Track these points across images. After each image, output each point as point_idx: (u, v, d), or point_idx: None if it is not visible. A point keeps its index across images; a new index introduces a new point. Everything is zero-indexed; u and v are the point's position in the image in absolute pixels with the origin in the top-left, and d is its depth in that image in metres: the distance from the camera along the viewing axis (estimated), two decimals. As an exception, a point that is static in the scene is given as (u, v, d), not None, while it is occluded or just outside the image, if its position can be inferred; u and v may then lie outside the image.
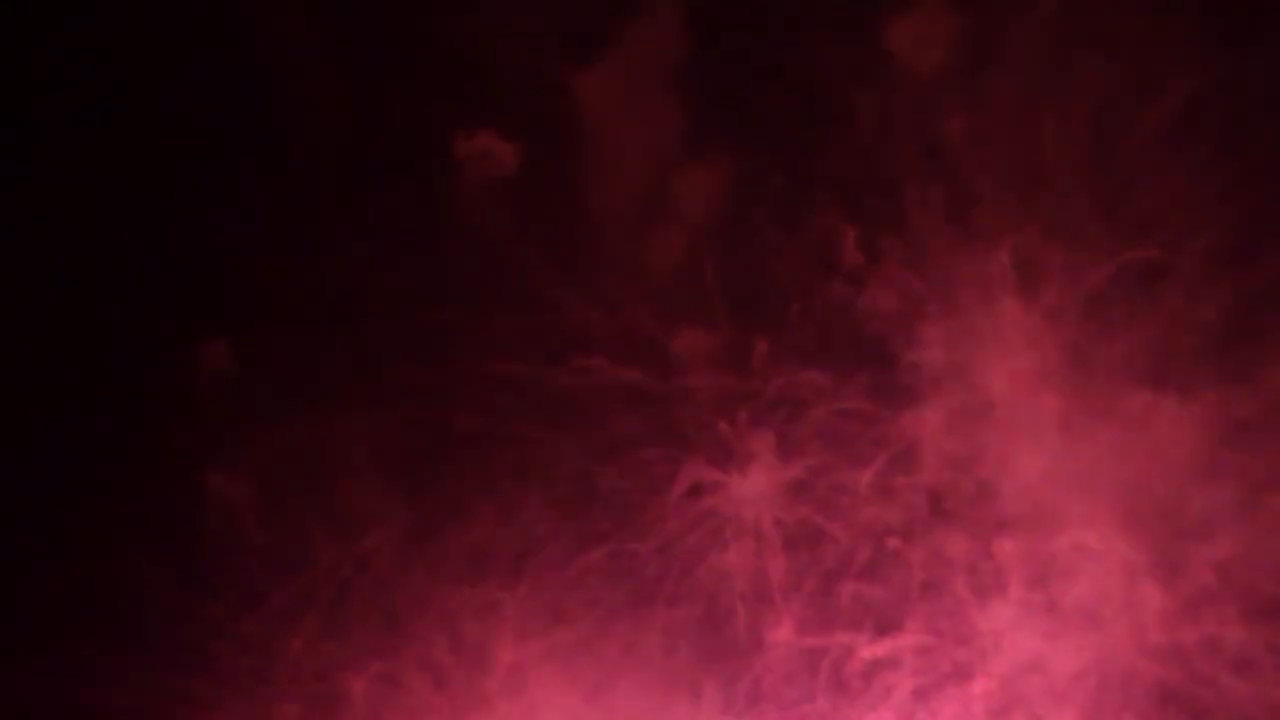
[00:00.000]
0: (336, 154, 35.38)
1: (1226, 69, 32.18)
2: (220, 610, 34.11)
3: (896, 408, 32.97)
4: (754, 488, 33.57)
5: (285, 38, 35.00)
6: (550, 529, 34.06)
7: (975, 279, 33.16)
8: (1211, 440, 31.03)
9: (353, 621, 34.41)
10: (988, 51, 33.21)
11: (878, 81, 33.77)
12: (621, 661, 33.43)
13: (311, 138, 35.40)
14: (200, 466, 34.58)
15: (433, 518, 34.51)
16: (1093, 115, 32.89)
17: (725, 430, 33.74)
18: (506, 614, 33.88)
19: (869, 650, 32.64)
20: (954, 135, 33.36)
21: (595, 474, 33.97)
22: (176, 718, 33.55)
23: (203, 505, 34.30)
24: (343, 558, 34.37)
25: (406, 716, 33.94)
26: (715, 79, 34.63)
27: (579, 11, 34.75)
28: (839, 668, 32.82)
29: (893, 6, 33.56)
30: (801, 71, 34.00)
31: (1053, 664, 31.70)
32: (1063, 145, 32.91)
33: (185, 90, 35.44)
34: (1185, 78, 32.29)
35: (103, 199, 35.53)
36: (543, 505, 34.17)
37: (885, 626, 32.74)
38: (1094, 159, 32.81)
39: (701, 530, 33.64)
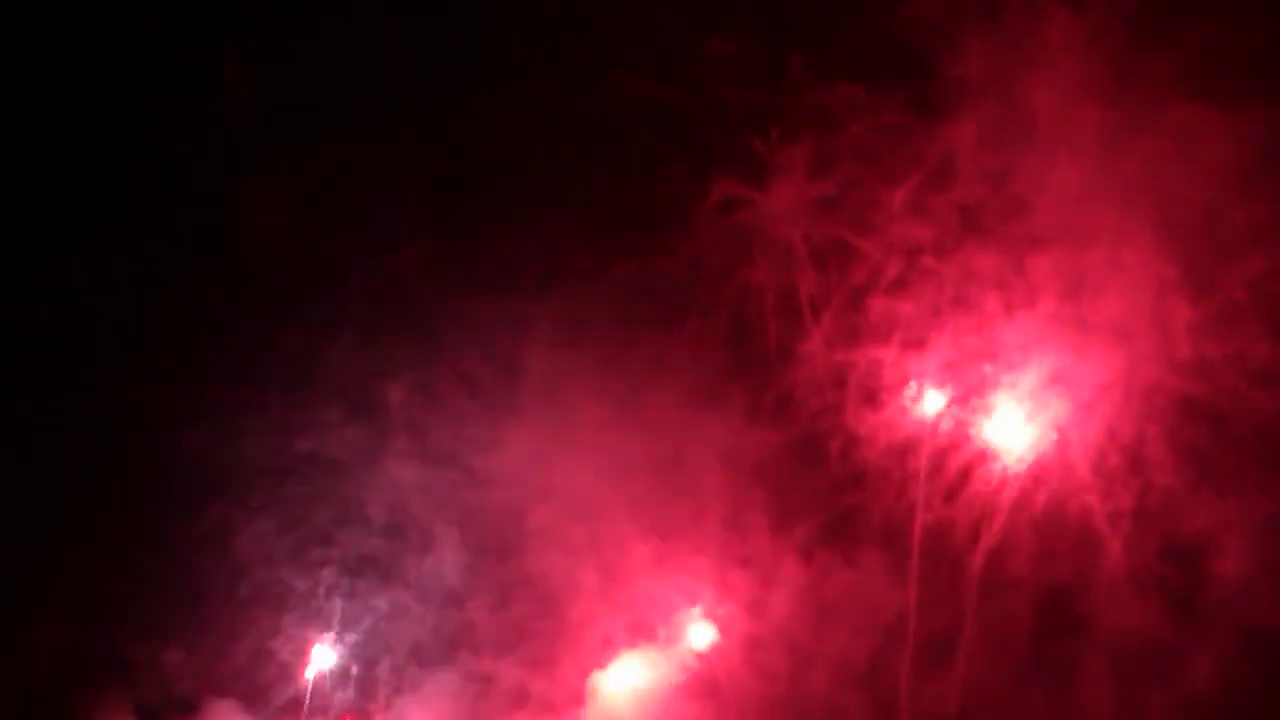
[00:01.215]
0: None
1: None
2: (258, 322, 34.68)
3: (933, 122, 32.22)
4: (784, 204, 33.28)
5: None
6: (580, 244, 34.12)
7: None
8: (1253, 155, 30.17)
9: (387, 333, 35.00)
10: None
11: None
12: (650, 372, 33.96)
13: None
14: (233, 181, 34.54)
15: (463, 233, 34.59)
16: None
17: (757, 146, 33.26)
18: (537, 326, 34.30)
19: (897, 364, 32.94)
20: None
21: (625, 190, 33.72)
22: (221, 422, 34.55)
23: (236, 218, 34.36)
24: (375, 271, 34.70)
25: (443, 422, 34.84)
26: None
27: None
28: (867, 380, 33.24)
29: None
30: None
31: (1079, 377, 31.89)
32: None
33: None
34: None
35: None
36: (573, 221, 34.12)
37: (914, 341, 32.94)
38: None
39: (731, 245, 33.61)
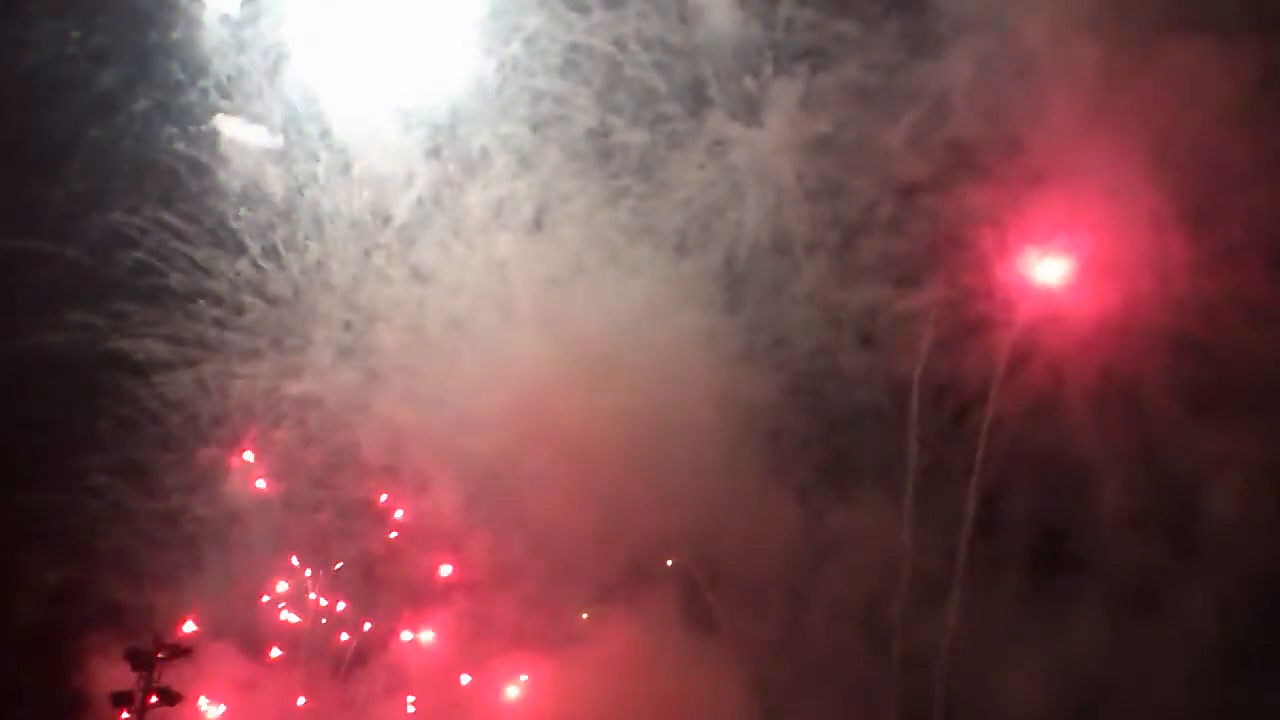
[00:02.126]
0: None
1: None
2: (248, 265, 34.32)
3: (929, 58, 31.62)
4: (777, 142, 32.80)
5: None
6: (570, 183, 33.68)
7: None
8: (1253, 88, 29.75)
9: (377, 276, 34.69)
10: None
11: None
12: (645, 313, 33.72)
13: None
14: (213, 116, 33.86)
15: (452, 173, 34.11)
16: None
17: (749, 83, 32.69)
18: (528, 267, 33.97)
19: (893, 304, 32.77)
20: None
21: (615, 128, 33.23)
22: (213, 366, 34.34)
23: (219, 156, 33.73)
24: (365, 213, 34.26)
25: (434, 364, 34.66)
26: None
27: None
28: (862, 321, 33.14)
29: None
30: None
31: (1075, 315, 31.79)
32: None
33: None
34: None
35: None
36: (562, 160, 33.64)
37: (909, 280, 32.75)
38: None
39: (723, 184, 33.20)
